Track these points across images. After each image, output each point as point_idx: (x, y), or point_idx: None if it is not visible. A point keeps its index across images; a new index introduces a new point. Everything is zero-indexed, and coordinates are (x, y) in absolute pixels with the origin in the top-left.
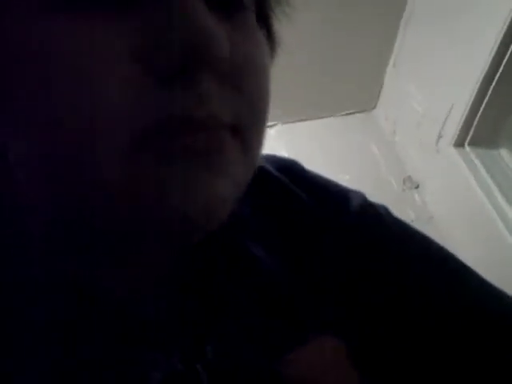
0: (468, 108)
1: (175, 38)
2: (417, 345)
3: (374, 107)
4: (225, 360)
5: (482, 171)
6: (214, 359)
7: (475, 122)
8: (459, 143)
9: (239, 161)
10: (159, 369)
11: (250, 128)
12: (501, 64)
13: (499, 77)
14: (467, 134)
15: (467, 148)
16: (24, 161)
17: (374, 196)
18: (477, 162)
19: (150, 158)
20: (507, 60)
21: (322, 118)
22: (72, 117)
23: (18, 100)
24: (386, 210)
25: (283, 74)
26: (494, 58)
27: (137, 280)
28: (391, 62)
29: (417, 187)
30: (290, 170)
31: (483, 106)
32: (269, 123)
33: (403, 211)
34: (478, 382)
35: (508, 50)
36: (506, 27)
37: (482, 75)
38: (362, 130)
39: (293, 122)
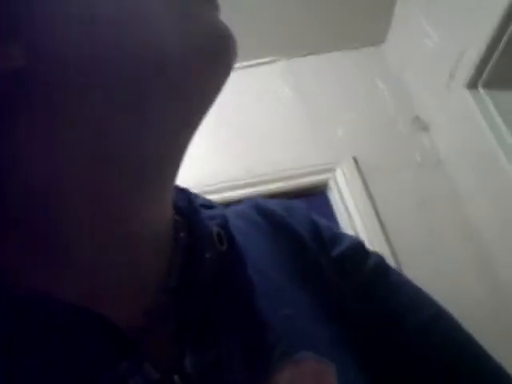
0: (484, 48)
1: None
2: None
3: (383, 41)
4: (204, 376)
5: (495, 114)
6: (192, 373)
7: (490, 63)
8: (472, 84)
9: None
10: (133, 377)
11: None
12: None
13: None
14: (481, 75)
15: (480, 90)
16: None
17: (380, 136)
18: (490, 104)
19: None
20: None
21: (328, 52)
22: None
23: None
24: (379, 257)
25: (286, 5)
26: None
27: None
28: None
29: (425, 128)
30: (294, 210)
31: (500, 46)
32: (271, 58)
33: (409, 153)
34: None
35: None
36: None
37: (500, 16)
38: (370, 66)
39: (297, 56)
